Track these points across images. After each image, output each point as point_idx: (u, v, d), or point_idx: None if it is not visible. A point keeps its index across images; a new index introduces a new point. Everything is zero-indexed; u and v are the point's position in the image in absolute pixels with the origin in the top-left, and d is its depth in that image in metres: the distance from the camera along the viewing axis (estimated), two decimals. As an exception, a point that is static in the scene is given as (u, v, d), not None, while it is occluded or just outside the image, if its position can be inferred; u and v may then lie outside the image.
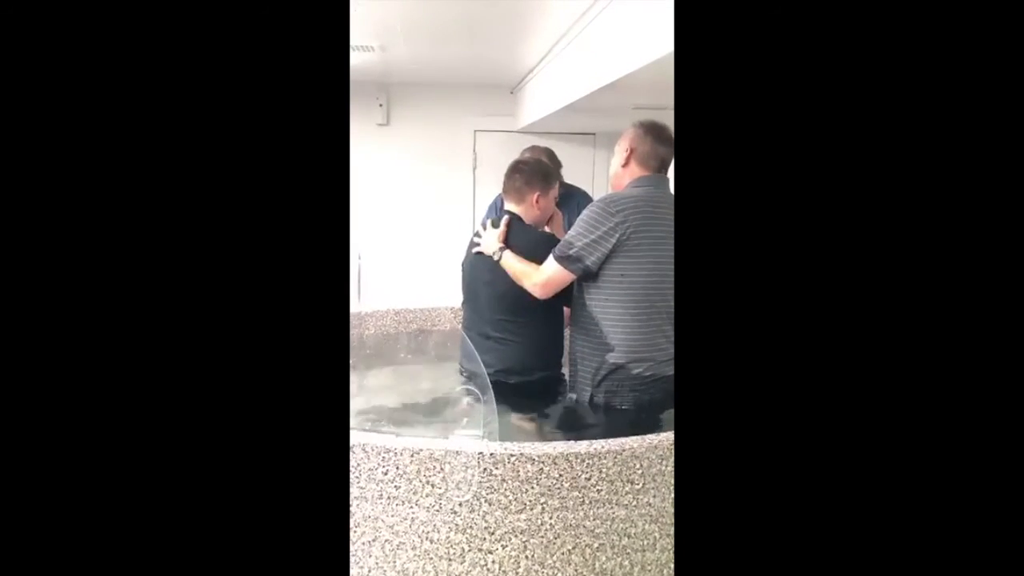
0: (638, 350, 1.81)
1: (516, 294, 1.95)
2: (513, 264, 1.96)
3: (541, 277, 1.88)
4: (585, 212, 1.85)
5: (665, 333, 1.83)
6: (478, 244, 2.10)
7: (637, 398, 1.83)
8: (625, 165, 1.92)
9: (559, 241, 1.93)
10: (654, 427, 1.76)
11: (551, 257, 1.86)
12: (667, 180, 1.94)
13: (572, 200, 2.84)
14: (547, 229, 2.24)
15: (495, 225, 2.08)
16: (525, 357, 2.01)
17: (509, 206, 2.13)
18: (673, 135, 1.93)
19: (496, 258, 2.00)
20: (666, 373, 1.83)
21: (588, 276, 1.84)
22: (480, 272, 2.09)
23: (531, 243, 2.00)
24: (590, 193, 4.47)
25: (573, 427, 1.94)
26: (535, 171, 2.15)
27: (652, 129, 1.91)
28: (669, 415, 1.84)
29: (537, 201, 2.11)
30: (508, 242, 2.02)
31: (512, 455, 1.36)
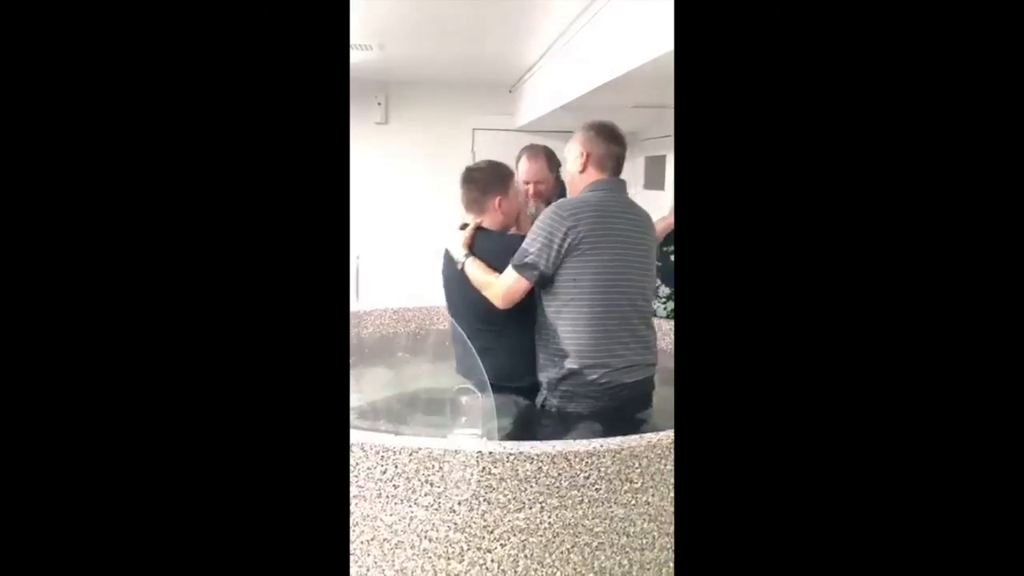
0: (593, 356, 1.79)
1: (486, 302, 1.91)
2: (476, 275, 1.92)
3: (500, 288, 1.85)
4: (539, 218, 1.83)
5: (621, 339, 1.81)
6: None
7: (592, 404, 1.81)
8: (582, 170, 1.90)
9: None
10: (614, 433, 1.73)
11: (509, 267, 1.83)
12: (623, 183, 1.93)
13: None
14: (514, 230, 2.14)
15: (463, 228, 2.02)
16: (512, 364, 1.95)
17: (470, 218, 2.05)
18: (622, 134, 1.93)
19: (459, 266, 1.96)
20: (624, 381, 1.81)
21: (545, 282, 1.82)
22: (454, 282, 2.03)
23: (497, 250, 1.93)
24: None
25: (526, 430, 1.89)
26: (491, 176, 2.05)
27: (603, 130, 1.90)
28: (632, 423, 1.82)
29: (500, 205, 2.03)
30: (474, 250, 1.96)
31: (511, 454, 1.36)
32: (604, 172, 1.89)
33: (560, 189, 2.72)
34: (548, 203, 2.65)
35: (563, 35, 3.16)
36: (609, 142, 1.89)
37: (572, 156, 1.93)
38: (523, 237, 2.01)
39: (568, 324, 1.81)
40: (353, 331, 2.63)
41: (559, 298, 1.81)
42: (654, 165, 4.84)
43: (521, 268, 1.81)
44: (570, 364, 1.80)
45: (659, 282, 3.13)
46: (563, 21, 2.96)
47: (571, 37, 3.07)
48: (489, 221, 2.04)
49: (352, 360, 2.25)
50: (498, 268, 1.89)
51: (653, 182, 4.85)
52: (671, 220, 3.08)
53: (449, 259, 2.07)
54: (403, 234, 5.02)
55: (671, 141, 4.32)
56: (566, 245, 1.77)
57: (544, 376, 1.88)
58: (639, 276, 1.88)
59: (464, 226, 2.04)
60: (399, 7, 2.79)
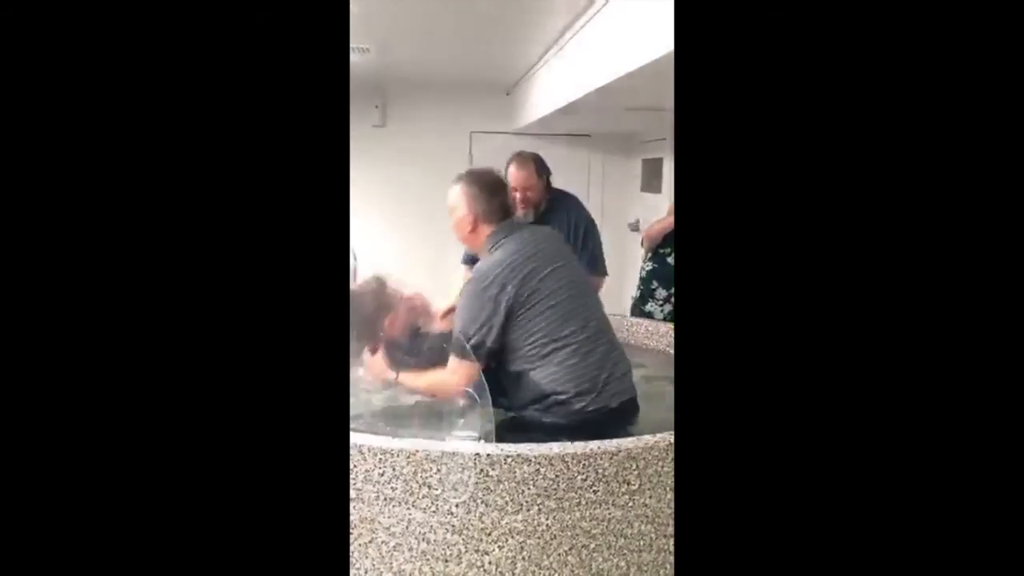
0: (575, 386, 1.75)
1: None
2: (417, 383, 1.87)
3: (452, 381, 1.77)
4: (461, 300, 1.80)
5: (596, 358, 1.78)
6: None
7: (579, 427, 1.76)
8: (473, 230, 1.88)
9: (438, 329, 1.85)
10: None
11: (452, 358, 1.77)
12: (519, 222, 1.90)
13: (561, 208, 2.74)
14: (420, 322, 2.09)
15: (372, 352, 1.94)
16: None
17: (369, 343, 1.98)
18: (498, 175, 1.91)
19: (394, 386, 1.90)
20: (611, 406, 1.77)
21: (495, 354, 1.78)
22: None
23: (421, 355, 1.88)
24: (585, 196, 4.43)
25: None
26: (373, 309, 1.96)
27: (484, 185, 1.88)
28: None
29: (393, 323, 1.98)
30: (397, 367, 1.91)
31: (508, 456, 1.36)
32: (495, 223, 1.87)
33: (547, 194, 2.71)
34: (536, 210, 2.66)
35: (560, 38, 3.17)
36: (492, 195, 1.87)
37: (458, 218, 1.89)
38: (437, 335, 1.95)
39: (539, 369, 1.76)
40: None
41: (519, 353, 1.77)
42: (651, 168, 4.85)
43: (466, 353, 1.75)
44: (555, 398, 1.76)
45: (656, 285, 3.13)
46: (560, 24, 2.97)
47: (568, 40, 3.08)
48: (390, 337, 1.97)
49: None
50: (435, 364, 1.83)
51: (650, 185, 4.86)
52: (670, 221, 3.09)
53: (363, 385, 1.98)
54: (400, 237, 5.03)
55: (668, 144, 4.33)
56: (502, 312, 1.72)
57: (525, 411, 1.83)
58: (585, 294, 1.87)
59: (372, 348, 1.96)
60: (397, 10, 2.80)
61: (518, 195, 2.62)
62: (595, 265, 2.69)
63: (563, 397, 1.75)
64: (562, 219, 2.69)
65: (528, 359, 1.77)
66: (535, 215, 2.68)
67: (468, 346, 1.75)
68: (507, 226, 1.88)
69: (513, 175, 2.63)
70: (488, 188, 1.88)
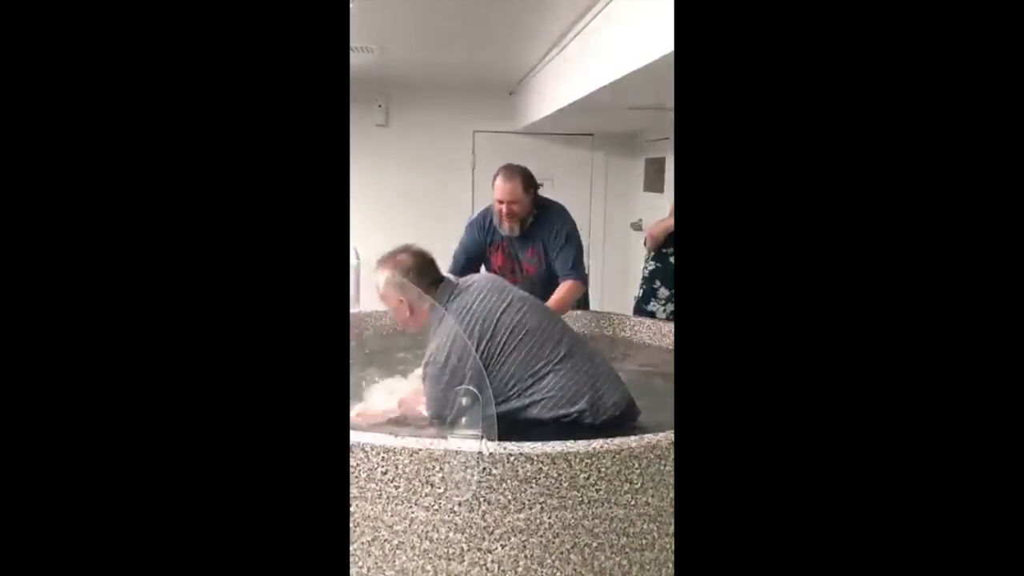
0: (572, 404, 1.75)
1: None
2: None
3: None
4: (427, 386, 1.81)
5: (584, 370, 1.78)
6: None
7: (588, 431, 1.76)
8: (412, 313, 1.89)
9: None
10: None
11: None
12: (449, 282, 1.90)
13: (547, 219, 2.73)
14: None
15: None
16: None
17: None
18: (419, 251, 1.92)
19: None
20: (614, 415, 1.77)
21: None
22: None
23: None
24: (587, 195, 4.42)
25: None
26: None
27: (404, 269, 1.88)
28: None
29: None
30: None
31: (511, 454, 1.36)
32: (431, 294, 1.87)
33: (533, 208, 2.71)
34: (522, 224, 2.66)
35: (563, 37, 3.17)
36: (419, 276, 1.88)
37: (394, 307, 1.91)
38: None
39: (534, 406, 1.77)
40: (352, 332, 2.62)
41: (507, 397, 1.77)
42: (654, 167, 4.85)
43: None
44: (564, 421, 1.76)
45: (659, 284, 3.13)
46: (564, 23, 2.97)
47: (571, 39, 3.08)
48: None
49: (352, 361, 2.24)
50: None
51: (653, 184, 4.86)
52: (671, 222, 3.09)
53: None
54: (403, 236, 5.02)
55: (671, 143, 4.33)
56: (472, 378, 1.71)
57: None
58: (544, 319, 1.86)
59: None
60: (400, 10, 2.80)
61: (503, 208, 2.63)
62: (576, 270, 2.68)
63: (569, 419, 1.75)
64: (547, 230, 2.70)
65: (518, 398, 1.78)
66: (521, 228, 2.70)
67: (445, 417, 1.75)
68: (443, 294, 1.87)
69: (499, 187, 2.64)
70: (413, 270, 1.88)
